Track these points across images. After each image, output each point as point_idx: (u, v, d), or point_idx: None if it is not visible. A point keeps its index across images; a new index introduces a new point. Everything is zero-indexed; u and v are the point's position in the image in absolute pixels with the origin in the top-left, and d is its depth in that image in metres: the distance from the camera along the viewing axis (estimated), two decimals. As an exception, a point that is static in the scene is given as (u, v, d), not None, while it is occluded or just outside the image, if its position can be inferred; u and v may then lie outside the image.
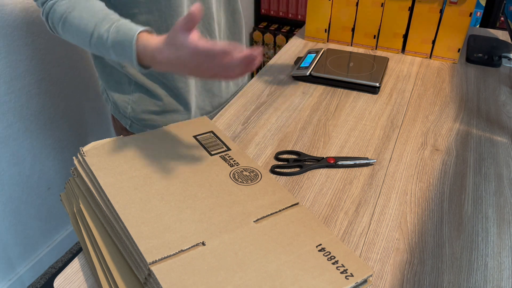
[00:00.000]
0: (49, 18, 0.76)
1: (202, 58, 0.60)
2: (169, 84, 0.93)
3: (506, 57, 1.27)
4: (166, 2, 0.82)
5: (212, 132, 0.76)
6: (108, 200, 0.59)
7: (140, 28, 0.68)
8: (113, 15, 0.72)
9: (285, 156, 0.84)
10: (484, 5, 1.91)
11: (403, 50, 1.30)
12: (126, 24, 0.70)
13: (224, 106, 1.05)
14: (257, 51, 0.58)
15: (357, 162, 0.81)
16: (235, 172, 0.67)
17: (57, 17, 0.74)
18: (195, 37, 0.60)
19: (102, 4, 0.75)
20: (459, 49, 1.22)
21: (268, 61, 1.27)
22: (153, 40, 0.66)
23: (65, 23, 0.73)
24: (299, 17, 2.49)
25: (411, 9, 1.22)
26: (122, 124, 1.00)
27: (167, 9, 0.83)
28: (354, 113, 0.99)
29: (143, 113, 0.96)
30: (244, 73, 0.61)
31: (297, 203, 0.61)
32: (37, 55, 1.37)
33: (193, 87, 0.97)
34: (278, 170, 0.80)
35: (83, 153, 0.67)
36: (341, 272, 0.51)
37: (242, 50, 0.59)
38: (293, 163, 0.82)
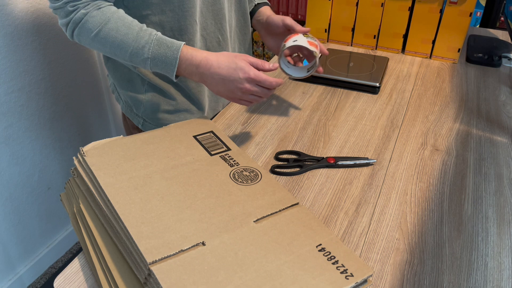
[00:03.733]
0: (77, 28, 0.77)
1: (250, 85, 0.76)
2: (181, 84, 0.94)
3: (506, 57, 1.27)
4: (179, 2, 0.83)
5: (212, 132, 0.76)
6: (108, 200, 0.59)
7: (181, 42, 0.78)
8: (145, 26, 0.78)
9: (285, 156, 0.84)
10: (484, 5, 1.91)
11: (403, 50, 1.30)
12: (165, 38, 0.78)
13: None
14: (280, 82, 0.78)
15: (357, 162, 0.81)
16: (235, 172, 0.66)
17: (89, 28, 0.76)
18: (253, 68, 0.77)
19: (127, 15, 0.80)
20: (459, 49, 1.22)
21: (268, 61, 1.27)
22: (204, 53, 0.78)
23: (99, 34, 0.76)
24: (299, 17, 2.49)
25: (411, 9, 1.22)
26: (134, 123, 1.00)
27: (180, 9, 0.84)
28: (354, 113, 0.99)
29: (156, 112, 0.96)
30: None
31: (297, 203, 0.61)
32: (37, 55, 1.37)
33: (206, 88, 0.98)
34: (278, 170, 0.80)
35: (83, 153, 0.67)
36: (341, 272, 0.51)
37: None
38: (293, 163, 0.82)
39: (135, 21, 0.78)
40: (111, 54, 0.79)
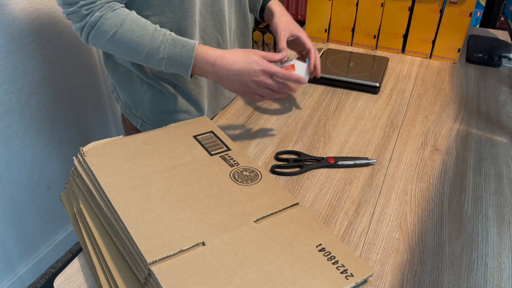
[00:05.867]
0: (93, 31, 0.78)
1: (264, 77, 0.78)
2: (180, 85, 0.94)
3: (506, 57, 1.27)
4: (179, 3, 0.83)
5: (212, 132, 0.76)
6: (108, 200, 0.59)
7: (195, 40, 0.79)
8: (159, 27, 0.79)
9: (285, 156, 0.84)
10: (484, 5, 1.91)
11: (403, 50, 1.30)
12: (178, 37, 0.79)
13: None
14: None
15: (357, 162, 0.81)
16: (235, 172, 0.66)
17: (104, 30, 0.77)
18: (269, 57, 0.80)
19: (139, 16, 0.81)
20: (459, 49, 1.22)
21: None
22: (219, 51, 0.79)
23: (114, 36, 0.77)
24: (299, 17, 2.49)
25: (411, 9, 1.22)
26: (132, 123, 1.00)
27: (180, 10, 0.84)
28: (354, 113, 0.99)
29: (155, 113, 0.96)
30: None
31: (297, 203, 0.61)
32: (37, 55, 1.37)
33: (205, 90, 0.97)
34: (278, 170, 0.80)
35: (83, 153, 0.67)
36: (341, 272, 0.51)
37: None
38: (293, 163, 0.82)
39: (149, 22, 0.79)
40: (126, 56, 0.80)
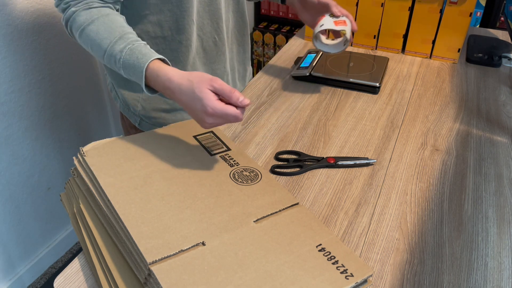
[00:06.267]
0: (68, 25, 0.78)
1: (213, 117, 0.65)
2: None
3: (506, 57, 1.27)
4: (177, 2, 0.83)
5: (212, 132, 0.76)
6: (108, 200, 0.59)
7: (153, 56, 0.71)
8: (130, 35, 0.74)
9: (285, 156, 0.84)
10: (484, 5, 1.91)
11: (403, 50, 1.30)
12: (141, 48, 0.72)
13: None
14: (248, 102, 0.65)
15: (357, 162, 0.81)
16: (235, 172, 0.66)
17: (75, 26, 0.76)
18: (214, 100, 0.65)
19: (122, 20, 0.77)
20: (459, 49, 1.22)
21: (268, 61, 1.27)
22: (170, 69, 0.69)
23: (82, 34, 0.76)
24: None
25: (411, 9, 1.22)
26: (131, 121, 1.00)
27: (178, 9, 0.84)
28: (354, 113, 0.99)
29: (153, 111, 0.96)
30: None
31: (297, 203, 0.61)
32: (37, 55, 1.37)
33: None
34: (278, 170, 0.80)
35: (83, 153, 0.67)
36: (341, 272, 0.51)
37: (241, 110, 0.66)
38: (293, 163, 0.82)
39: (120, 28, 0.74)
40: (95, 56, 0.78)
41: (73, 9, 0.76)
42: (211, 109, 0.64)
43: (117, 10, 0.82)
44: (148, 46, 0.74)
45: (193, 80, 0.66)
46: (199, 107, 0.65)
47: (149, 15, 0.84)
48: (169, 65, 0.72)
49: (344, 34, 0.93)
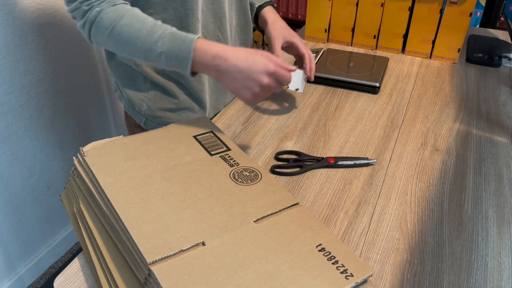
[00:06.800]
0: (93, 27, 0.77)
1: (269, 79, 0.72)
2: (183, 83, 0.94)
3: (506, 57, 1.27)
4: (181, 1, 0.83)
5: (212, 132, 0.76)
6: (108, 200, 0.59)
7: (196, 34, 0.75)
8: (160, 23, 0.76)
9: (285, 156, 0.84)
10: (484, 5, 1.91)
11: (403, 50, 1.30)
12: (179, 32, 0.75)
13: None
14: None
15: (357, 162, 0.81)
16: (235, 172, 0.66)
17: (104, 25, 0.76)
18: (277, 61, 0.73)
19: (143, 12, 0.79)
20: (459, 49, 1.22)
21: None
22: (222, 44, 0.74)
23: (113, 31, 0.76)
24: (299, 17, 2.49)
25: (411, 9, 1.22)
26: (136, 121, 1.00)
27: (182, 7, 0.84)
28: (354, 113, 0.99)
29: (158, 111, 0.96)
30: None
31: (297, 203, 0.61)
32: (37, 55, 1.37)
33: (207, 86, 0.98)
34: (278, 170, 0.80)
35: (83, 153, 0.67)
36: (341, 272, 0.51)
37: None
38: (293, 163, 0.82)
39: (150, 18, 0.76)
40: (126, 52, 0.78)
41: (97, 9, 0.75)
42: (274, 67, 0.72)
43: None
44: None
45: (247, 49, 0.74)
46: (261, 67, 0.71)
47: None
48: None
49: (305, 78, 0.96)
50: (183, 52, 0.73)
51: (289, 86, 0.93)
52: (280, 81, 0.74)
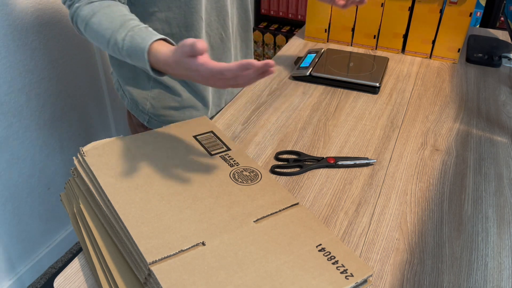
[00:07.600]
0: (74, 22, 0.78)
1: (217, 76, 0.59)
2: (186, 81, 0.95)
3: (506, 57, 1.27)
4: None
5: (212, 132, 0.76)
6: (108, 200, 0.59)
7: (153, 38, 0.67)
8: (131, 21, 0.72)
9: (285, 156, 0.84)
10: (484, 5, 1.91)
11: (403, 50, 1.30)
12: (141, 33, 0.69)
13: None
14: (271, 62, 0.56)
15: (357, 162, 0.81)
16: (235, 172, 0.66)
17: (80, 21, 0.77)
18: (204, 60, 0.59)
19: (124, 9, 0.76)
20: (459, 49, 1.22)
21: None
22: (163, 53, 0.65)
23: (86, 27, 0.76)
24: (299, 17, 2.49)
25: (411, 9, 1.22)
26: (139, 120, 1.01)
27: (186, 6, 0.84)
28: (354, 113, 0.99)
29: (162, 109, 0.97)
30: (256, 80, 0.60)
31: (297, 203, 0.61)
32: (37, 55, 1.37)
33: None
34: (278, 170, 0.80)
35: (83, 153, 0.67)
36: (341, 272, 0.51)
37: (255, 63, 0.57)
38: (293, 163, 0.82)
39: (124, 16, 0.73)
40: (102, 49, 0.78)
41: (76, 5, 0.77)
42: (213, 67, 0.58)
43: None
44: (150, 29, 0.71)
45: (174, 53, 0.63)
46: (197, 74, 0.60)
47: (157, 12, 0.85)
48: (171, 43, 0.69)
49: None
50: (141, 62, 0.69)
51: None
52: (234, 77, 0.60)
